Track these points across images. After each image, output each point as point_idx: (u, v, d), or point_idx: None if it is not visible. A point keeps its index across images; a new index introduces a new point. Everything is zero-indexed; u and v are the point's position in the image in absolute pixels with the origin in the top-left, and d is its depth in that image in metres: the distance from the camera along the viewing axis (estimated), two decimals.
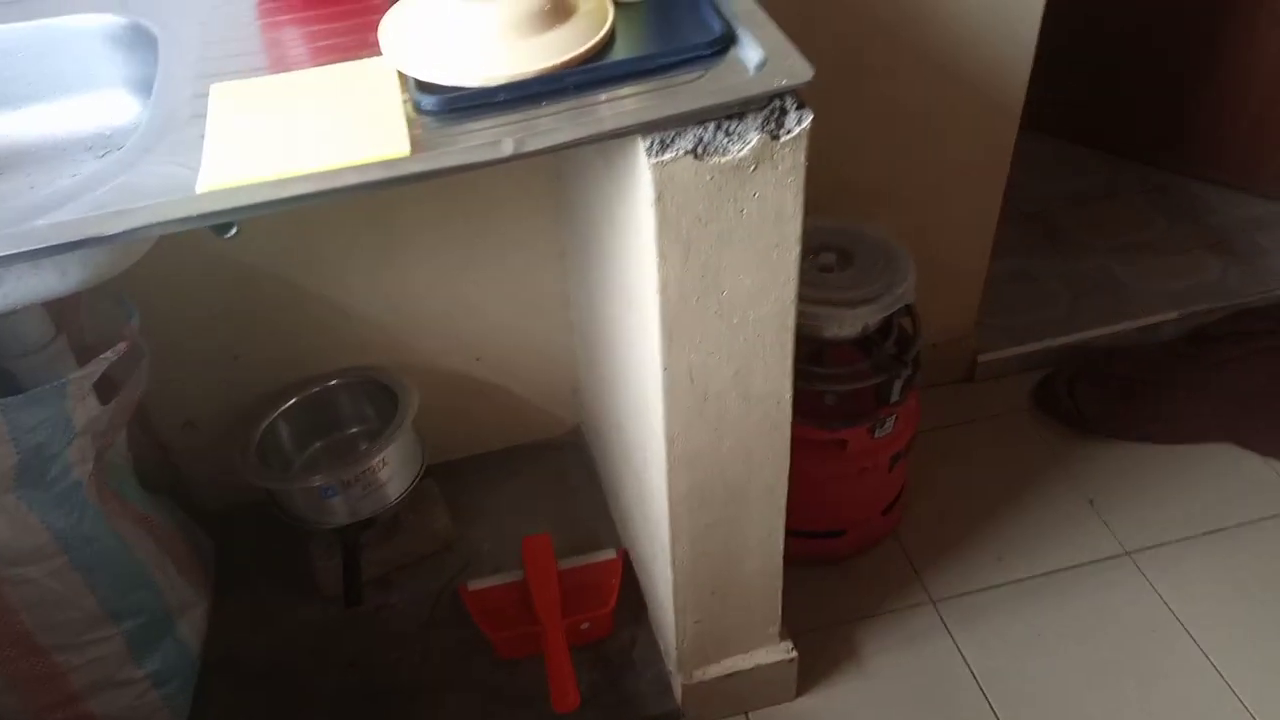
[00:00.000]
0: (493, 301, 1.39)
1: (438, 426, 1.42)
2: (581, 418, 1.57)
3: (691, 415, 0.96)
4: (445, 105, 0.76)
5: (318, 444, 1.41)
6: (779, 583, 1.19)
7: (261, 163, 0.71)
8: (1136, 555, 1.46)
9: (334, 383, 1.38)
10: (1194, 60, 1.95)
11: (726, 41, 0.80)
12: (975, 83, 1.36)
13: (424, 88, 0.77)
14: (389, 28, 0.83)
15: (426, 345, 1.41)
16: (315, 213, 1.21)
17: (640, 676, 1.27)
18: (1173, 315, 1.76)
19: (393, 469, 1.30)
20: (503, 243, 1.33)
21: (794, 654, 1.26)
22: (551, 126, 0.74)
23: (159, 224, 0.69)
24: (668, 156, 0.78)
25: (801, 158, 0.81)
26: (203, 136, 0.75)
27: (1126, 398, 1.63)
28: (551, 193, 1.30)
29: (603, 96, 0.77)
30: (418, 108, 0.76)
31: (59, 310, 1.04)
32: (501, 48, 0.77)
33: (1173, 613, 1.39)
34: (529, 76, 0.76)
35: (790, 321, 0.92)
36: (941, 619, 1.40)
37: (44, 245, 0.67)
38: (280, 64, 0.84)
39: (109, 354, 0.99)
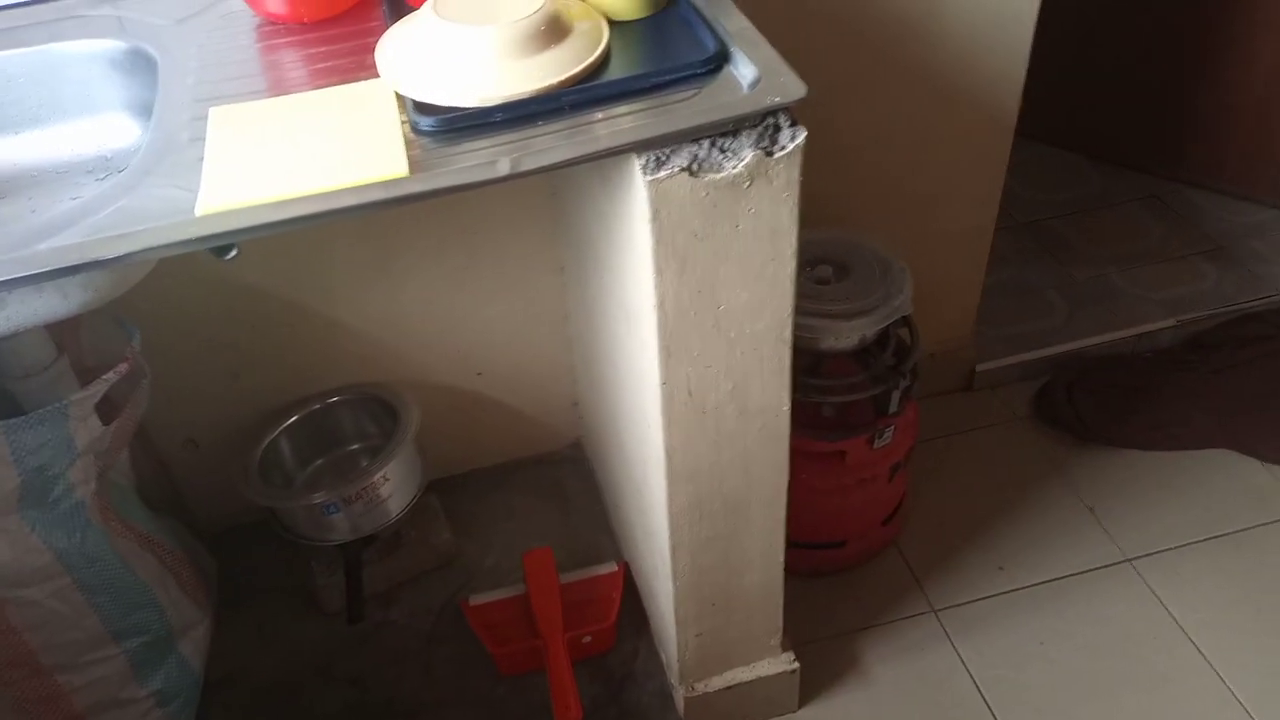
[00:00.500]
0: (492, 317, 1.39)
1: (439, 442, 1.43)
2: (581, 432, 1.58)
3: (690, 429, 0.97)
4: (443, 126, 0.76)
5: (319, 461, 1.41)
6: (780, 594, 1.19)
7: (261, 185, 0.72)
8: (1137, 562, 1.46)
9: (334, 400, 1.38)
10: (1189, 68, 1.95)
11: (720, 60, 0.81)
12: (970, 93, 1.37)
13: (421, 109, 0.77)
14: (386, 50, 0.84)
15: (426, 361, 1.41)
16: (315, 233, 1.21)
17: (642, 689, 1.28)
18: (1171, 322, 1.77)
19: (394, 485, 1.30)
20: (501, 259, 1.34)
21: (796, 665, 1.26)
22: (548, 146, 0.75)
23: (159, 247, 0.69)
24: (663, 174, 0.78)
25: (796, 173, 0.82)
26: (202, 159, 0.75)
27: (1126, 405, 1.63)
28: (549, 209, 1.31)
29: (598, 115, 0.77)
30: (415, 128, 0.77)
31: (60, 332, 1.04)
32: (498, 68, 0.78)
33: (1174, 619, 1.39)
34: (525, 96, 0.77)
35: (787, 334, 0.93)
36: (943, 628, 1.40)
37: (46, 269, 0.68)
38: (279, 86, 0.85)
39: (110, 375, 1.00)
